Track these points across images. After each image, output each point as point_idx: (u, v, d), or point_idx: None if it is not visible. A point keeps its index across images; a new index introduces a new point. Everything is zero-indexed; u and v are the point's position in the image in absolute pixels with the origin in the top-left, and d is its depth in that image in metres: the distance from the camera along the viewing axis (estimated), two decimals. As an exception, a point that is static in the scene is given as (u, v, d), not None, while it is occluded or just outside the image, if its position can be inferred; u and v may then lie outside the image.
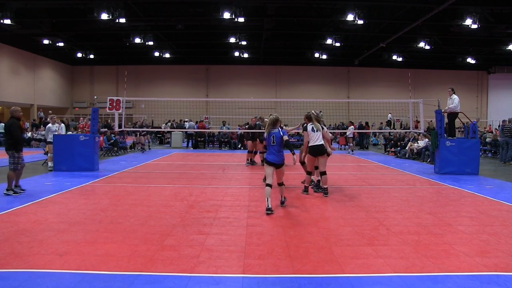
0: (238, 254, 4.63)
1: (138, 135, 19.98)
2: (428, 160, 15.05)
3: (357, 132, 21.69)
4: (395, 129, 24.66)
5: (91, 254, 4.54)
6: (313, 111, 8.65)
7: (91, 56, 31.79)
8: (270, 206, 6.64)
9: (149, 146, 21.07)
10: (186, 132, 23.68)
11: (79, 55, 31.43)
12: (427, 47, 26.42)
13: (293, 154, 6.97)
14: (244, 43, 26.88)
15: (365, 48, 29.50)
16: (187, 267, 4.19)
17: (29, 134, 22.45)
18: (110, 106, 12.82)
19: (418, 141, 16.86)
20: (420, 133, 16.51)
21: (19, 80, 28.90)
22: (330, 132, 9.34)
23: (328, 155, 8.56)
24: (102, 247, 4.79)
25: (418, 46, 26.67)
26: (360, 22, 19.95)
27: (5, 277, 3.90)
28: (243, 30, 24.81)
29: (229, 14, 19.66)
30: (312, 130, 8.16)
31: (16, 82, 28.37)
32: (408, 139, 18.09)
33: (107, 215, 6.42)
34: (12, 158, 8.06)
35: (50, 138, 12.09)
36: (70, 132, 14.60)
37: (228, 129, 23.16)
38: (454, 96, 12.30)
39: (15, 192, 7.98)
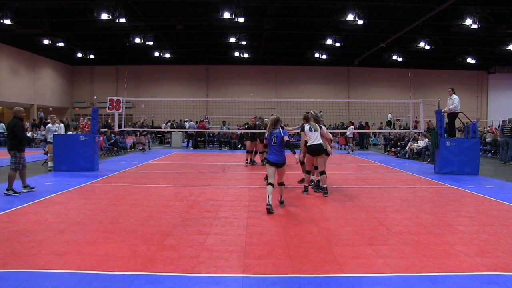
0: (238, 254, 4.63)
1: (138, 135, 19.98)
2: (428, 160, 15.05)
3: (357, 132, 21.68)
4: (395, 129, 24.66)
5: (91, 254, 4.54)
6: (312, 111, 8.66)
7: (91, 56, 31.79)
8: (270, 202, 6.71)
9: (149, 146, 21.08)
10: (186, 132, 23.68)
11: (79, 55, 31.44)
12: (427, 47, 26.42)
13: (294, 153, 7.03)
14: (244, 43, 26.88)
15: (365, 48, 29.50)
16: (187, 267, 4.19)
17: (29, 134, 22.44)
18: (110, 106, 12.82)
19: (418, 141, 16.86)
20: (420, 133, 16.51)
21: (19, 80, 28.90)
22: (330, 133, 9.37)
23: (328, 155, 8.58)
24: (102, 247, 4.79)
25: (418, 46, 26.67)
26: (360, 22, 19.95)
27: (5, 277, 3.90)
28: (243, 30, 24.81)
29: (229, 14, 19.66)
30: (310, 130, 8.20)
31: (16, 82, 28.37)
32: (408, 139, 18.09)
33: (107, 215, 6.42)
34: (14, 158, 8.09)
35: (50, 138, 12.10)
36: (70, 132, 14.60)
37: (228, 129, 23.17)
38: (454, 96, 12.30)
39: (15, 192, 7.98)
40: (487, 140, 18.78)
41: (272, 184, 6.89)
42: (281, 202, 7.23)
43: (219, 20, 21.43)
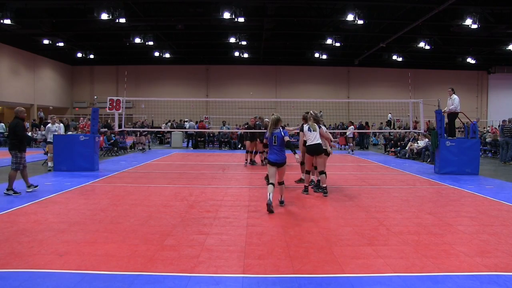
0: (238, 254, 4.63)
1: (138, 135, 19.98)
2: (428, 160, 15.05)
3: (357, 132, 21.69)
4: (395, 129, 24.66)
5: (91, 254, 4.54)
6: (311, 111, 8.70)
7: (91, 56, 31.80)
8: (271, 200, 6.75)
9: (149, 146, 21.08)
10: (186, 132, 23.68)
11: (79, 55, 31.44)
12: (427, 47, 26.42)
13: (295, 154, 7.10)
14: (244, 43, 26.88)
15: (365, 48, 29.50)
16: (187, 267, 4.19)
17: (29, 134, 22.45)
18: (110, 106, 12.82)
19: (418, 141, 16.86)
20: (420, 133, 16.52)
21: (19, 80, 28.90)
22: (330, 133, 9.41)
23: (328, 154, 8.61)
24: (102, 247, 4.80)
25: (418, 46, 26.67)
26: (360, 22, 19.95)
27: (5, 277, 3.90)
28: (243, 30, 24.80)
29: (229, 14, 19.66)
30: (309, 130, 8.26)
31: (16, 82, 28.37)
32: (408, 139, 18.10)
33: (107, 215, 6.42)
34: (14, 158, 8.10)
35: (50, 138, 12.10)
36: (70, 132, 14.60)
37: (228, 129, 23.17)
38: (454, 96, 12.31)
39: (15, 192, 7.98)
40: (487, 140, 18.79)
41: (273, 184, 6.97)
42: (281, 202, 7.25)
43: (219, 20, 21.43)
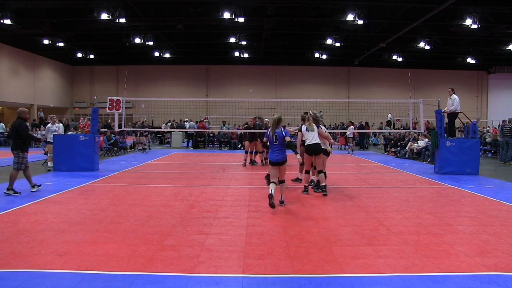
0: (238, 254, 4.63)
1: (138, 135, 19.98)
2: (428, 160, 15.05)
3: (357, 132, 21.69)
4: (395, 129, 24.65)
5: (91, 254, 4.54)
6: (311, 112, 8.77)
7: (91, 56, 31.80)
8: (273, 193, 6.89)
9: (149, 146, 21.08)
10: (186, 132, 23.68)
11: (79, 55, 31.44)
12: (427, 47, 26.42)
13: (297, 154, 7.29)
14: (244, 43, 26.88)
15: (365, 48, 29.50)
16: (187, 267, 4.19)
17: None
18: (110, 106, 12.82)
19: (418, 141, 16.86)
20: (420, 133, 16.52)
21: (19, 80, 28.90)
22: (330, 133, 9.45)
23: (328, 154, 8.65)
24: (102, 247, 4.79)
25: (418, 46, 26.67)
26: (360, 22, 19.95)
27: (5, 277, 3.90)
28: (243, 30, 24.80)
29: (229, 14, 19.66)
30: (307, 130, 8.32)
31: (16, 82, 28.37)
32: (408, 139, 18.10)
33: (107, 215, 6.42)
34: (17, 158, 8.12)
35: (50, 138, 12.11)
36: (70, 132, 14.60)
37: (228, 129, 23.17)
38: (454, 96, 12.31)
39: (15, 192, 7.98)
40: (487, 140, 18.79)
41: (275, 183, 7.11)
42: (281, 202, 7.26)
43: (219, 20, 21.43)
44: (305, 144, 8.32)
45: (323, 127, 8.79)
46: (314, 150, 8.18)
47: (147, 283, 3.80)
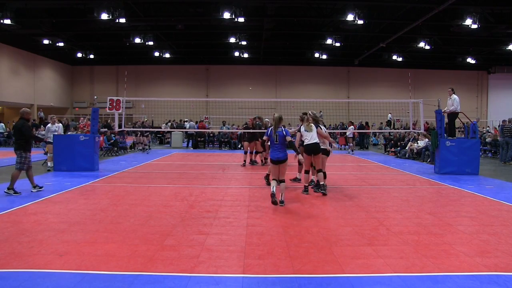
0: (238, 254, 4.63)
1: (138, 135, 19.98)
2: (428, 160, 15.05)
3: (357, 132, 21.69)
4: (395, 129, 24.65)
5: (91, 254, 4.54)
6: (310, 112, 8.80)
7: (91, 56, 31.79)
8: (275, 191, 7.12)
9: (149, 146, 21.08)
10: (186, 132, 23.68)
11: (79, 55, 31.44)
12: (427, 47, 26.41)
13: (298, 154, 7.50)
14: (244, 43, 26.87)
15: (365, 48, 29.49)
16: (187, 267, 4.19)
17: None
18: (110, 106, 12.83)
19: (418, 141, 16.86)
20: (420, 133, 16.52)
21: (19, 80, 28.89)
22: (329, 133, 9.49)
23: (328, 154, 8.69)
24: (102, 247, 4.79)
25: (418, 46, 26.66)
26: (360, 22, 19.95)
27: (5, 277, 3.90)
28: (243, 30, 24.80)
29: (229, 14, 19.66)
30: (305, 130, 8.35)
31: (16, 82, 28.36)
32: (408, 139, 18.10)
33: (107, 215, 6.42)
34: (19, 158, 8.13)
35: (50, 138, 12.11)
36: (70, 132, 14.59)
37: (228, 129, 23.16)
38: (454, 96, 12.31)
39: (15, 192, 7.99)
40: (487, 140, 18.79)
41: (276, 180, 7.27)
42: (281, 202, 7.26)
43: (219, 20, 21.42)
44: (304, 144, 8.34)
45: (322, 127, 8.81)
46: (313, 150, 8.22)
47: (147, 283, 3.80)
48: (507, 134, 15.41)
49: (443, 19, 21.68)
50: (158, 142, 26.23)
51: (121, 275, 3.98)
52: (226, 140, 22.44)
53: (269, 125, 11.51)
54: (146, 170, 12.66)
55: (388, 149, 20.06)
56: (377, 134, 26.15)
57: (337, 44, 25.64)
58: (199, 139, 22.55)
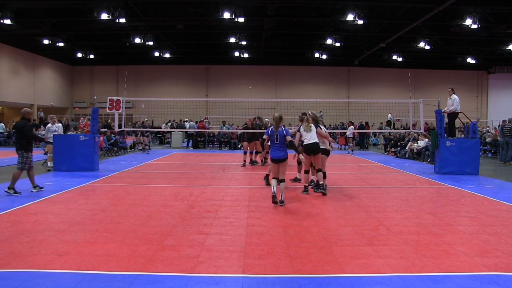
0: (238, 254, 4.63)
1: (138, 135, 19.98)
2: (428, 160, 15.05)
3: (357, 132, 21.68)
4: (395, 129, 24.65)
5: (91, 254, 4.54)
6: (310, 112, 8.82)
7: (91, 56, 31.80)
8: (275, 191, 7.17)
9: (149, 146, 21.08)
10: (186, 132, 23.68)
11: (79, 55, 31.45)
12: (427, 47, 26.41)
13: (298, 154, 7.66)
14: (244, 43, 26.88)
15: (365, 48, 29.50)
16: (187, 267, 4.19)
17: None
18: (110, 106, 12.83)
19: (418, 141, 16.86)
20: (420, 133, 16.52)
21: (19, 80, 28.90)
22: (329, 133, 9.50)
23: (328, 154, 8.70)
24: (102, 247, 4.79)
25: (418, 46, 26.67)
26: (360, 22, 19.95)
27: (5, 277, 3.90)
28: (243, 30, 24.80)
29: (229, 14, 19.66)
30: (304, 130, 8.37)
31: (16, 82, 28.37)
32: (408, 139, 18.09)
33: (107, 215, 6.42)
34: (20, 158, 8.15)
35: (50, 138, 12.11)
36: (70, 132, 14.59)
37: (228, 129, 23.15)
38: (454, 96, 12.31)
39: (15, 192, 7.99)
40: (487, 140, 18.79)
41: (276, 179, 7.30)
42: (281, 202, 7.27)
43: (219, 20, 21.43)
44: (304, 144, 8.35)
45: (322, 127, 8.81)
46: (313, 150, 8.23)
47: (147, 283, 3.80)
48: (507, 134, 15.41)
49: (443, 19, 21.68)
50: (158, 142, 26.22)
51: (121, 275, 3.98)
52: (226, 140, 22.43)
53: (269, 125, 11.52)
54: (146, 170, 12.66)
55: (388, 149, 20.06)
56: (377, 134, 26.15)
57: (337, 44, 25.65)
58: (199, 139, 22.54)
